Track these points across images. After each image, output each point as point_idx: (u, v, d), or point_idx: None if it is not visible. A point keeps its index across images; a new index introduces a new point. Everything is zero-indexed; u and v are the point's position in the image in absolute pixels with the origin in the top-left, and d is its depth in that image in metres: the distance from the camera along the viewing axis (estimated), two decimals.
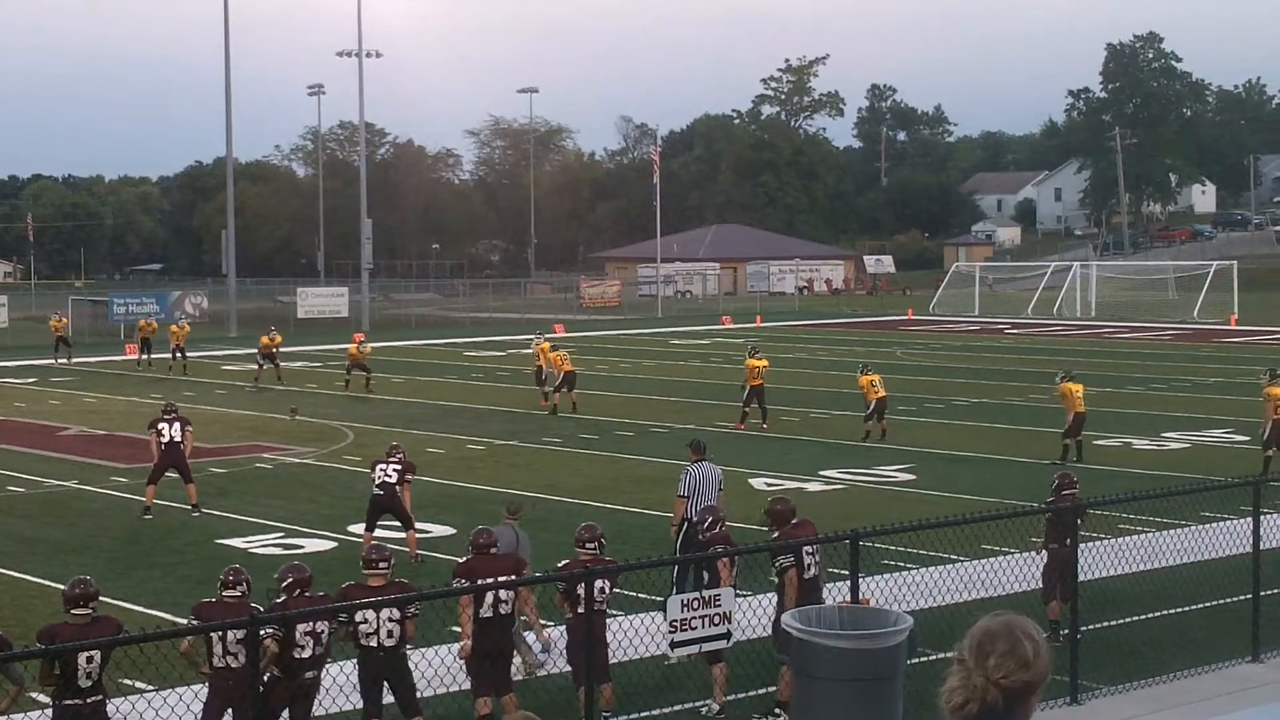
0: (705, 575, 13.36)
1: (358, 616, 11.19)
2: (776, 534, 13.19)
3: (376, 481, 18.73)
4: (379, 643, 11.22)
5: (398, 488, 18.66)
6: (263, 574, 12.85)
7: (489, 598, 11.82)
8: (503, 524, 14.91)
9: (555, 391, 34.85)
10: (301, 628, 10.63)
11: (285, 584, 11.29)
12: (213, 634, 10.68)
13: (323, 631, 10.94)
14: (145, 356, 48.80)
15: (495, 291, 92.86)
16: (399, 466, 18.76)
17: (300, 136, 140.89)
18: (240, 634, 10.55)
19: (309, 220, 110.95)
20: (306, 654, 10.82)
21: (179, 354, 46.78)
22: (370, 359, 40.97)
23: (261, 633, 10.10)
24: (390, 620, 11.20)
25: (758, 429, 31.04)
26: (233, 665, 10.74)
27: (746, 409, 31.50)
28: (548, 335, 44.28)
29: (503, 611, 11.96)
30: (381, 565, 11.83)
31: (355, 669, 11.53)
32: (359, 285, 77.00)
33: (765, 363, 32.58)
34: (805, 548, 12.69)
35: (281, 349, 43.93)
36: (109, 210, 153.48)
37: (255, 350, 44.17)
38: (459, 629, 12.33)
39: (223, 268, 75.15)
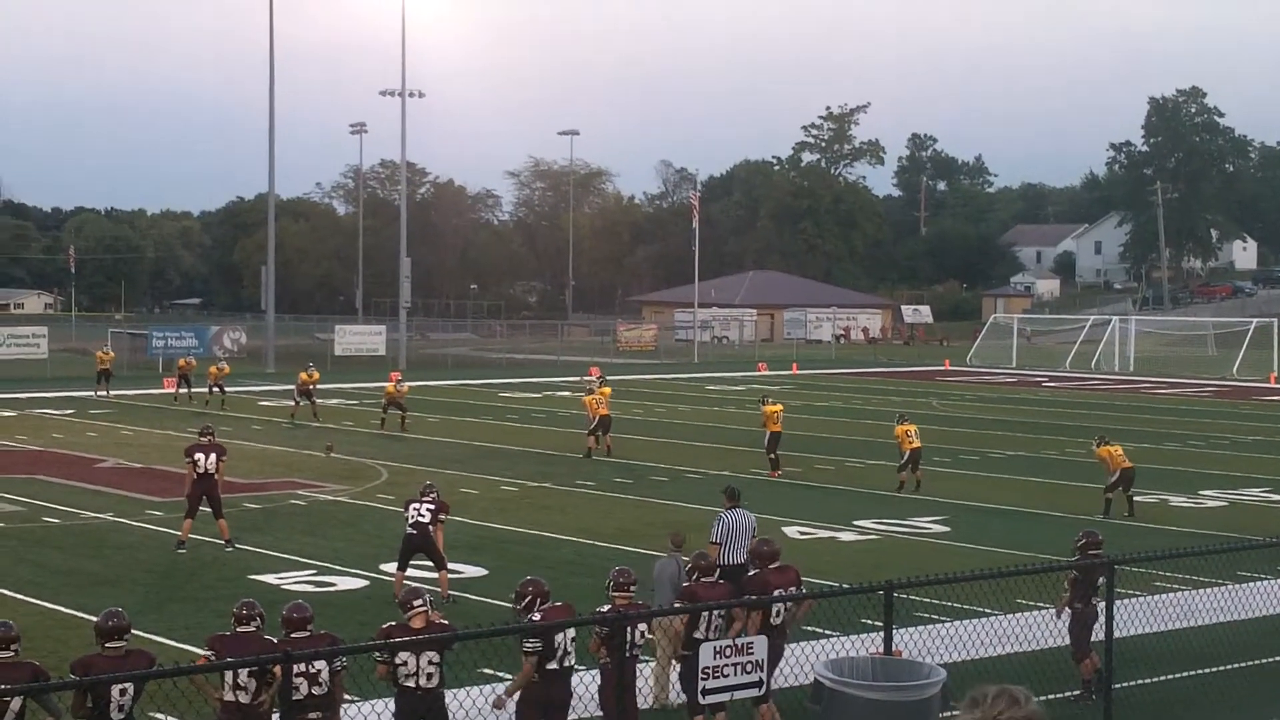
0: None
1: (398, 658, 11.14)
2: (754, 572, 13.33)
3: (410, 520, 18.74)
4: (418, 684, 11.18)
5: (431, 527, 18.68)
6: None
7: (560, 650, 11.63)
8: (668, 556, 15.22)
9: (591, 435, 34.84)
10: (296, 669, 10.53)
11: (281, 622, 11.34)
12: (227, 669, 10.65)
13: (319, 672, 10.82)
14: (185, 391, 49.12)
15: (532, 333, 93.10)
16: (432, 506, 18.77)
17: (341, 174, 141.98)
18: (250, 669, 10.57)
19: (348, 258, 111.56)
20: (301, 696, 10.72)
21: (217, 388, 47.09)
22: (406, 398, 41.09)
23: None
24: (431, 662, 11.17)
25: (769, 476, 30.99)
26: (242, 700, 10.72)
27: (772, 455, 31.52)
28: (604, 381, 44.19)
29: (566, 664, 11.77)
30: (417, 604, 11.80)
31: (385, 708, 11.49)
32: (396, 324, 77.28)
33: (780, 408, 32.60)
34: (779, 594, 12.93)
35: (318, 386, 44.09)
36: (150, 244, 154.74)
37: (293, 386, 44.36)
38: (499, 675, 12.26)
39: (262, 303, 75.64)
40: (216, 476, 22.53)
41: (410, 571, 18.78)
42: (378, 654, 11.20)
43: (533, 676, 11.69)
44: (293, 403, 43.39)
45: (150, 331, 70.23)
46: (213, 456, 22.50)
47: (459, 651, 11.81)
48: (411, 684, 11.16)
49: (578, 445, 35.30)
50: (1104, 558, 14.75)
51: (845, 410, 49.06)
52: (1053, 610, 15.39)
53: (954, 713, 11.04)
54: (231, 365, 53.23)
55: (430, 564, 18.97)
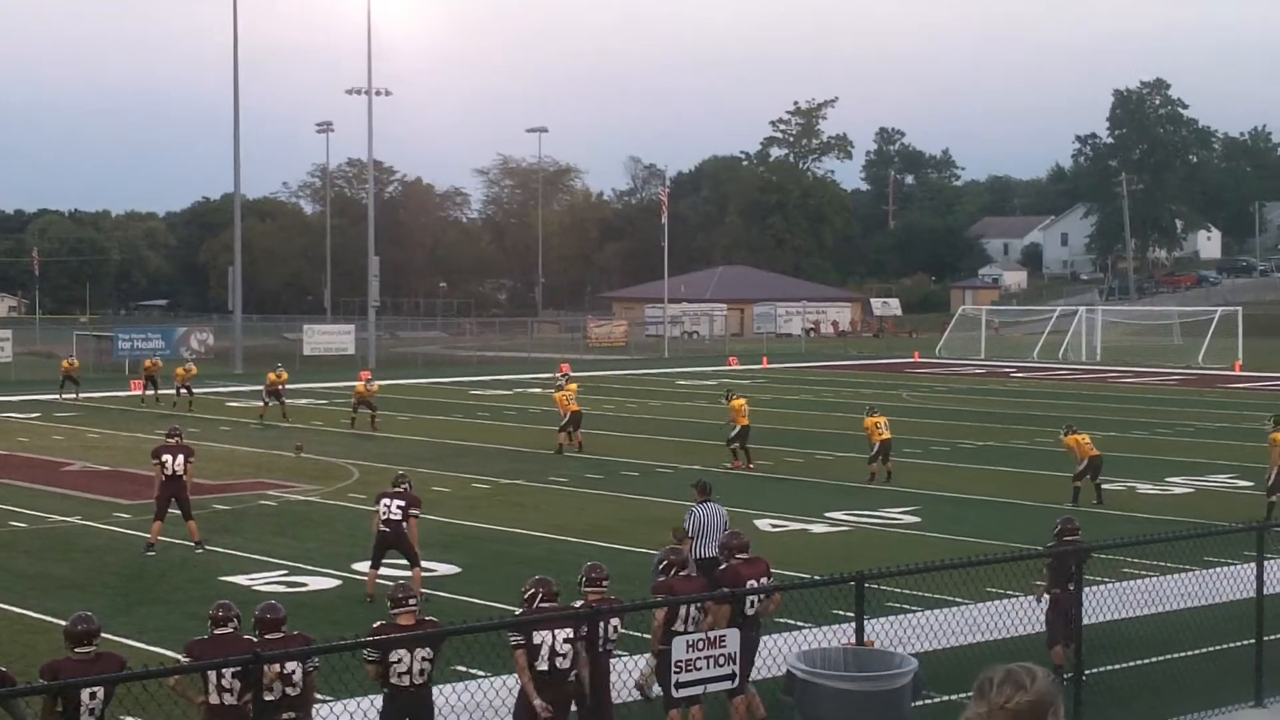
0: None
1: (391, 656, 11.11)
2: (725, 565, 13.40)
3: (382, 518, 18.70)
4: (411, 682, 11.17)
5: (404, 524, 18.65)
6: None
7: (545, 650, 11.53)
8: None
9: (562, 431, 34.86)
10: (270, 669, 10.50)
11: (254, 623, 11.31)
12: (208, 671, 10.61)
13: (293, 673, 10.78)
14: (152, 392, 48.91)
15: (502, 330, 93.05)
16: (403, 503, 18.73)
17: (308, 174, 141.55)
18: (234, 670, 10.53)
19: (316, 257, 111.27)
20: (276, 697, 10.70)
21: (184, 390, 46.92)
22: (376, 397, 41.02)
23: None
24: (425, 659, 11.16)
25: (745, 469, 31.10)
26: (226, 702, 10.67)
27: (735, 447, 31.72)
28: (570, 378, 44.18)
29: (558, 665, 11.58)
30: (410, 603, 11.80)
31: (358, 707, 11.47)
32: (365, 323, 77.12)
33: (745, 401, 32.74)
34: (750, 585, 12.99)
35: (288, 386, 43.96)
36: (115, 245, 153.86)
37: (261, 387, 44.23)
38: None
39: (229, 304, 75.42)
40: (185, 478, 22.44)
41: (382, 569, 18.76)
42: (367, 655, 11.18)
43: (526, 672, 11.67)
44: (261, 403, 43.27)
45: (116, 334, 69.91)
46: (180, 458, 22.40)
47: (444, 647, 11.79)
48: (405, 682, 11.14)
49: (549, 442, 35.30)
50: (1082, 544, 14.85)
51: (816, 403, 49.18)
52: (1023, 597, 15.46)
53: (926, 701, 11.10)
54: (199, 366, 53.01)
55: (403, 561, 18.94)
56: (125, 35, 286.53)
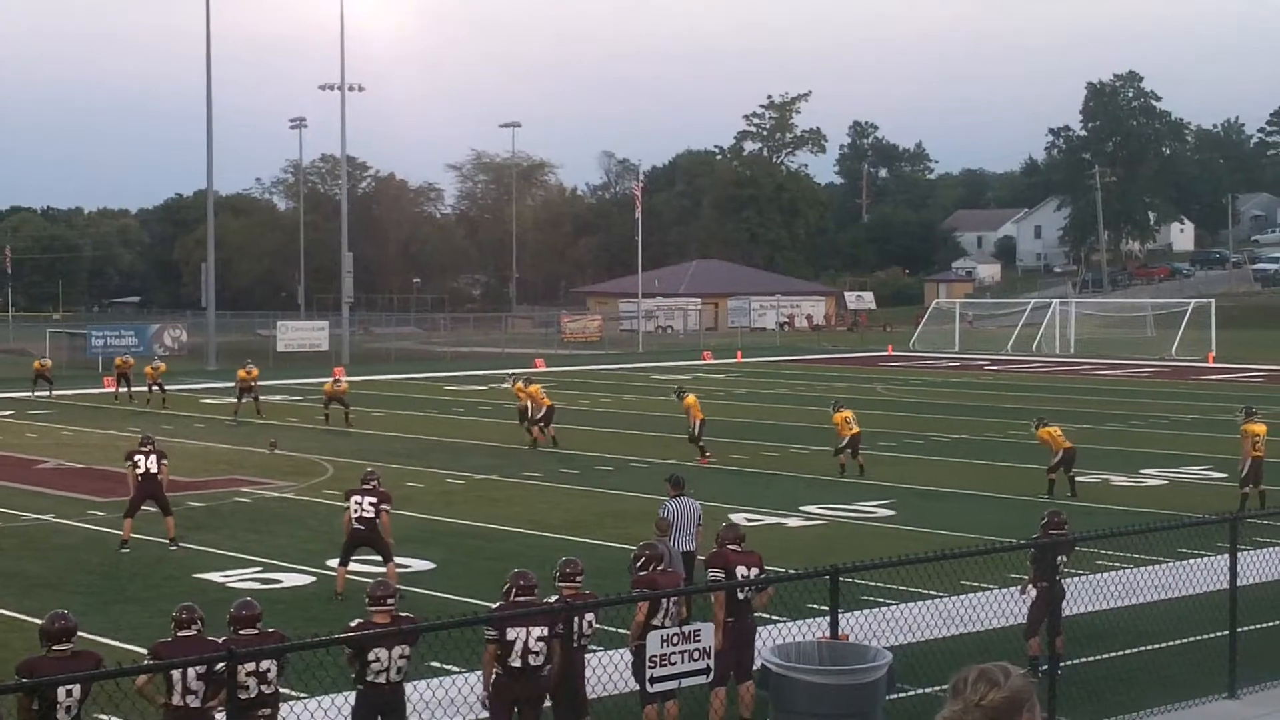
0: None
1: (370, 655, 11.10)
2: (711, 551, 13.46)
3: (355, 515, 18.67)
4: (387, 679, 11.16)
5: (376, 520, 18.64)
6: None
7: (519, 646, 11.56)
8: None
9: (535, 425, 34.88)
10: (244, 667, 10.47)
11: (228, 620, 11.29)
12: (173, 673, 10.56)
13: (268, 670, 10.75)
14: (125, 390, 48.72)
15: (476, 326, 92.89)
16: (374, 499, 18.72)
17: (281, 169, 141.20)
18: (198, 672, 10.49)
19: (290, 253, 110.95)
20: (251, 695, 10.68)
21: (155, 387, 46.81)
22: (349, 394, 40.94)
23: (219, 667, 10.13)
24: (402, 656, 11.15)
25: (700, 462, 31.04)
26: (191, 705, 10.62)
27: (700, 443, 31.77)
28: (525, 372, 44.12)
29: (531, 662, 11.60)
30: (389, 601, 11.78)
31: (332, 704, 11.45)
32: (339, 319, 76.90)
33: (695, 398, 32.79)
34: (740, 571, 13.03)
35: (262, 383, 43.84)
36: (88, 242, 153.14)
37: (234, 384, 44.10)
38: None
39: (202, 301, 75.06)
40: (160, 477, 22.38)
41: (353, 565, 18.74)
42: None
43: (494, 666, 11.69)
44: (234, 400, 43.15)
45: (89, 331, 69.63)
46: (154, 458, 22.37)
47: (420, 644, 11.78)
48: (381, 680, 11.12)
49: (524, 437, 35.27)
50: (1068, 536, 14.89)
51: (790, 397, 49.24)
52: (998, 590, 15.52)
53: (900, 694, 11.12)
54: (173, 363, 52.85)
55: (375, 558, 18.92)
56: (98, 31, 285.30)
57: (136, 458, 22.34)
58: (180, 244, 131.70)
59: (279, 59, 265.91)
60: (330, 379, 41.73)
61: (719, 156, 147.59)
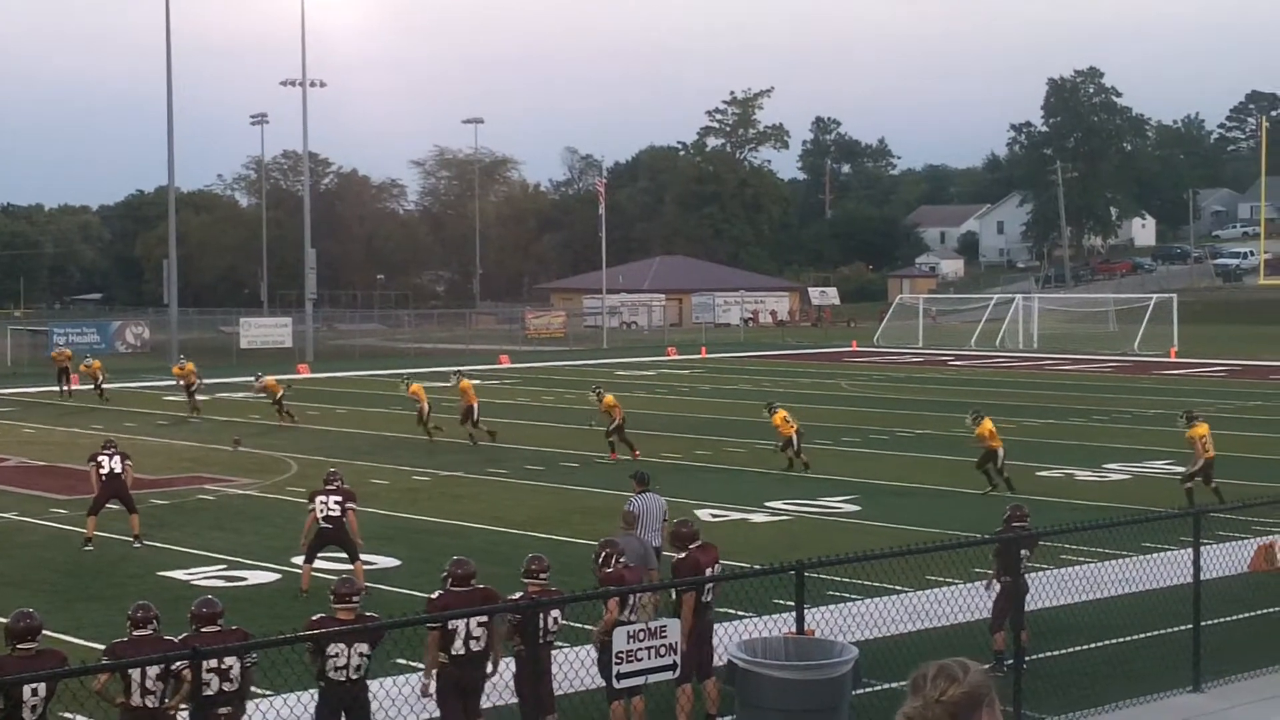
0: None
1: (329, 650, 11.08)
2: (683, 555, 13.38)
3: (322, 515, 18.61)
4: (347, 676, 11.14)
5: (343, 519, 18.59)
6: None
7: (461, 634, 11.72)
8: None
9: (469, 423, 34.70)
10: (207, 665, 10.42)
11: (189, 618, 11.25)
12: (131, 673, 10.50)
13: (231, 668, 10.71)
14: (66, 388, 48.16)
15: (440, 322, 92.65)
16: (340, 498, 18.68)
17: (243, 166, 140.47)
18: (157, 672, 10.44)
19: (252, 250, 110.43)
20: (213, 691, 10.65)
21: (97, 388, 46.77)
22: (286, 395, 40.26)
23: (174, 666, 10.07)
24: (361, 654, 11.13)
25: (631, 455, 30.93)
26: (149, 705, 10.56)
27: (622, 440, 31.74)
28: (462, 370, 43.29)
29: (473, 649, 11.83)
30: (354, 599, 11.76)
31: (298, 701, 11.42)
32: (303, 315, 76.61)
33: (612, 397, 32.71)
34: (706, 571, 13.08)
35: (226, 380, 43.60)
36: (48, 239, 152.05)
37: (178, 383, 44.05)
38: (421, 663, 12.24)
39: (164, 297, 74.65)
40: (125, 477, 22.29)
41: (317, 563, 18.68)
42: (309, 650, 11.13)
43: (439, 656, 11.74)
44: (186, 398, 42.91)
45: (51, 328, 69.14)
46: (117, 459, 22.29)
47: (384, 640, 11.78)
48: (341, 676, 11.11)
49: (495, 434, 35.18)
50: (1030, 530, 14.96)
51: (755, 393, 49.27)
52: (963, 585, 15.58)
53: (867, 689, 11.14)
54: (135, 360, 52.52)
55: (339, 555, 18.86)
56: (57, 27, 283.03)
57: (100, 458, 22.25)
58: (142, 240, 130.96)
59: (240, 55, 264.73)
60: (270, 377, 41.45)
61: (682, 152, 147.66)
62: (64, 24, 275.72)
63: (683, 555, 13.35)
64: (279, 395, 39.75)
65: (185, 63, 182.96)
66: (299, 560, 19.31)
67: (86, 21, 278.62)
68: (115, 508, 22.25)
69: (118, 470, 22.16)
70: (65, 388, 48.36)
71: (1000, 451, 26.67)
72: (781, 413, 30.50)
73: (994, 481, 26.43)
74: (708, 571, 13.14)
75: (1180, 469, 29.27)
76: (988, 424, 27.13)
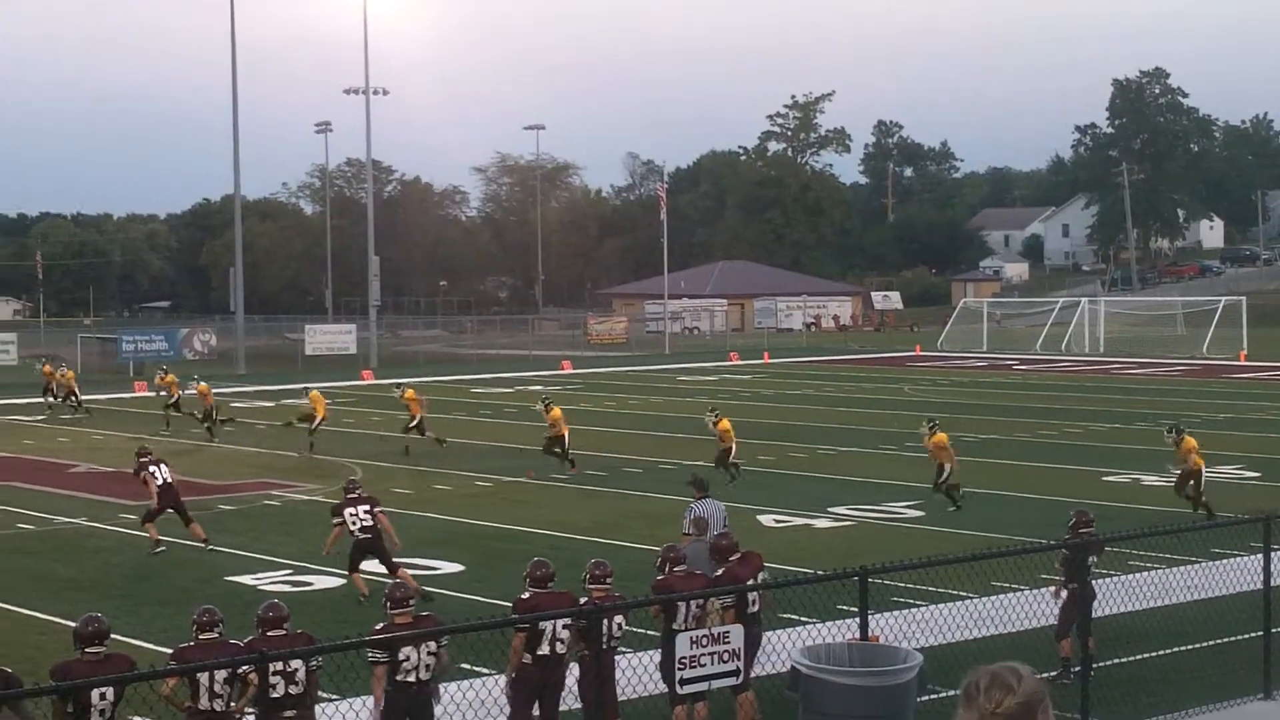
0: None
1: (400, 654, 11.16)
2: (721, 570, 13.34)
3: (356, 528, 18.77)
4: (416, 678, 11.21)
5: (377, 525, 18.86)
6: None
7: (548, 635, 11.80)
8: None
9: (412, 432, 34.60)
10: (273, 668, 10.50)
11: (256, 622, 11.34)
12: (199, 677, 10.56)
13: (296, 671, 10.77)
14: (54, 400, 47.05)
15: (502, 328, 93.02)
16: (367, 506, 18.98)
17: (308, 174, 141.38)
18: (224, 676, 10.51)
19: (316, 257, 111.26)
20: (279, 694, 10.72)
21: (72, 397, 45.65)
22: (215, 405, 39.26)
23: (241, 670, 10.20)
24: (430, 654, 11.22)
25: (565, 473, 30.37)
26: (217, 709, 10.63)
27: (558, 451, 30.87)
28: (406, 382, 41.54)
29: (557, 650, 11.93)
30: (410, 603, 11.84)
31: (364, 706, 11.48)
32: (367, 322, 77.11)
33: (559, 411, 31.71)
34: (749, 583, 13.02)
35: (290, 386, 43.78)
36: (117, 248, 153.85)
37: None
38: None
39: (230, 305, 75.32)
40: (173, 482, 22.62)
41: (371, 567, 18.83)
42: (375, 656, 11.19)
43: (523, 658, 11.81)
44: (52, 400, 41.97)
45: (120, 336, 69.89)
46: (164, 467, 22.58)
47: (447, 645, 11.85)
48: (411, 679, 11.18)
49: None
50: (1096, 536, 14.80)
51: (818, 398, 49.15)
52: (1029, 591, 15.45)
53: (931, 696, 11.08)
54: (201, 368, 52.90)
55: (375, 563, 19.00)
56: (124, 38, 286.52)
57: (150, 469, 22.49)
58: (208, 249, 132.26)
59: (304, 64, 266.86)
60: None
61: (743, 157, 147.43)
62: (130, 35, 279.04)
63: (720, 572, 13.33)
64: (203, 402, 38.80)
65: (250, 72, 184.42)
66: (365, 566, 19.38)
67: (153, 33, 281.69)
68: (170, 515, 22.48)
69: (169, 479, 22.45)
70: (53, 399, 46.94)
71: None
72: (724, 422, 29.36)
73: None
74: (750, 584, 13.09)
75: (1250, 474, 28.95)
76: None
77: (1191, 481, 24.34)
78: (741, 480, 28.16)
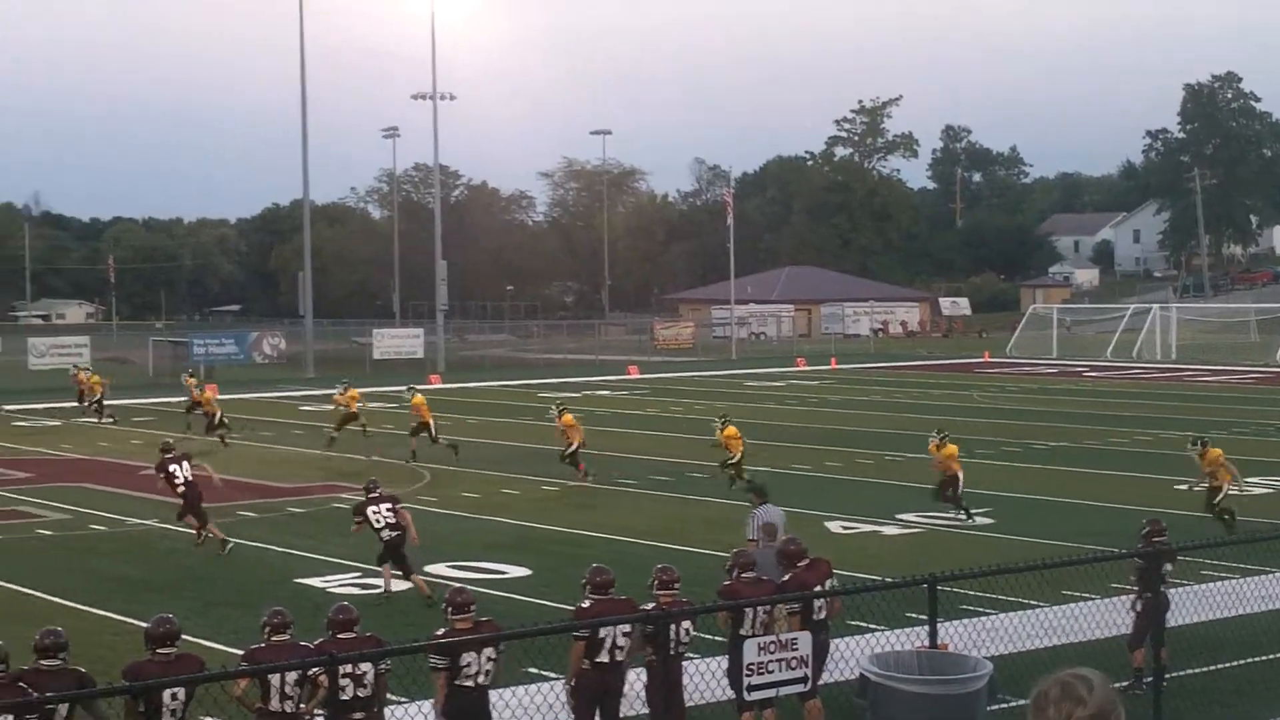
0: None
1: (462, 659, 11.20)
2: (788, 575, 13.30)
3: (380, 527, 18.99)
4: (476, 683, 11.26)
5: (399, 522, 19.03)
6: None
7: (609, 643, 11.84)
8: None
9: (414, 437, 34.33)
10: (342, 670, 10.51)
11: (326, 624, 11.40)
12: (270, 678, 10.64)
13: (365, 674, 10.83)
14: (85, 404, 46.34)
15: (569, 333, 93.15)
16: (389, 504, 19.17)
17: (375, 179, 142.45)
18: (295, 677, 10.57)
19: (384, 262, 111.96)
20: (347, 696, 10.78)
21: (98, 403, 45.15)
22: (218, 407, 38.82)
23: (311, 671, 10.27)
24: (489, 659, 11.26)
25: (582, 479, 30.28)
26: (287, 710, 10.70)
27: (569, 458, 30.72)
28: (419, 387, 40.97)
29: (616, 657, 11.95)
30: (471, 608, 11.87)
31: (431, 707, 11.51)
32: (434, 326, 77.50)
33: (570, 417, 31.51)
34: (815, 588, 13.00)
35: (357, 390, 43.98)
36: (188, 252, 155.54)
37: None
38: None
39: (299, 309, 75.93)
40: (206, 477, 22.95)
41: (440, 570, 18.85)
42: (435, 662, 11.23)
43: (583, 664, 11.83)
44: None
45: (191, 339, 70.61)
46: (186, 465, 22.76)
47: (505, 651, 11.86)
48: (470, 683, 11.22)
49: (618, 445, 35.27)
50: (1169, 545, 14.61)
51: (885, 404, 48.91)
52: (1100, 600, 15.29)
53: (1002, 705, 10.97)
54: (273, 371, 53.29)
55: (447, 568, 19.05)
56: (195, 45, 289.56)
57: (172, 467, 22.68)
58: (277, 253, 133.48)
59: (372, 70, 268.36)
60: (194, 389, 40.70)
61: (810, 162, 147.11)
62: (201, 42, 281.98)
63: (787, 578, 13.28)
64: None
65: (319, 78, 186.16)
66: (432, 569, 19.48)
67: (223, 40, 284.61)
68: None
69: (191, 479, 22.61)
70: (86, 403, 46.18)
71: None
72: (731, 429, 29.16)
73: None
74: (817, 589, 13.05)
75: None
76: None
77: (1219, 494, 23.84)
78: (736, 490, 27.37)
